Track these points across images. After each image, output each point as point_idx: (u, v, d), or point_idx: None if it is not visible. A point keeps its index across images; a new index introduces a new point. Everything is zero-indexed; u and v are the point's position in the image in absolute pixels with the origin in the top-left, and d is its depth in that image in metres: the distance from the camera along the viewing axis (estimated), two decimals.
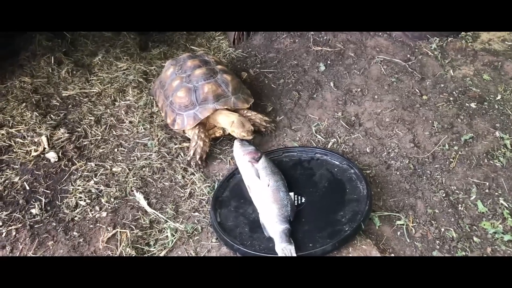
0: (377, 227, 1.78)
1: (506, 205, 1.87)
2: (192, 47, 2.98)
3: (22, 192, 1.98)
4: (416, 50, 2.71)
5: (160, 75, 2.45)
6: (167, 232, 1.81)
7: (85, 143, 2.25)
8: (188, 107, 2.15)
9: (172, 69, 2.33)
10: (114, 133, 2.32)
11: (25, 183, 2.02)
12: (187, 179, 2.05)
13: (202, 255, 1.71)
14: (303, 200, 1.85)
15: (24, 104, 2.43)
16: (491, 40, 2.78)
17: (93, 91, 2.59)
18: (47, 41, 2.90)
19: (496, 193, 1.92)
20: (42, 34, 2.92)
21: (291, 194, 1.84)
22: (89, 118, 2.39)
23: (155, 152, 2.18)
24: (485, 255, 1.68)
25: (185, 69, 2.28)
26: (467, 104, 2.37)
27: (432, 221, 1.82)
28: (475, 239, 1.75)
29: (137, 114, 2.42)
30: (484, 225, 1.80)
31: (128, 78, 2.68)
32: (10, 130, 2.27)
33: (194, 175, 2.06)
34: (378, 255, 1.63)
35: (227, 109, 2.16)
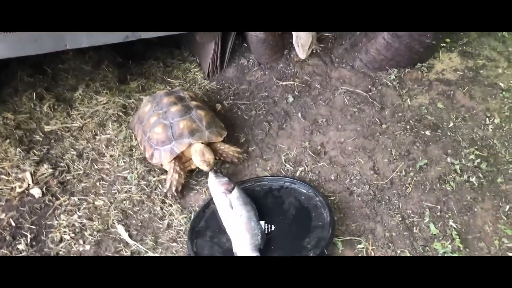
0: (340, 251, 1.96)
1: (455, 226, 2.08)
2: (169, 79, 3.14)
3: (8, 229, 2.09)
4: (377, 81, 2.94)
5: (138, 111, 2.60)
6: None
7: (68, 178, 2.37)
8: (165, 142, 2.31)
9: (149, 106, 2.49)
10: (96, 167, 2.45)
11: (11, 219, 2.12)
12: (165, 210, 2.20)
13: None
14: (273, 228, 2.02)
15: (8, 140, 2.53)
16: (444, 70, 3.04)
17: (74, 126, 2.72)
18: (28, 77, 3.01)
19: (447, 216, 2.14)
20: (23, 69, 3.03)
21: (262, 222, 2.01)
22: (72, 152, 2.52)
23: (134, 185, 2.32)
24: None
25: (162, 106, 2.44)
26: (422, 132, 2.60)
27: (390, 244, 2.01)
28: None
29: (117, 148, 2.55)
30: (436, 245, 2.00)
31: (108, 112, 2.81)
32: None
33: (172, 206, 2.21)
34: None
35: (202, 143, 2.33)
